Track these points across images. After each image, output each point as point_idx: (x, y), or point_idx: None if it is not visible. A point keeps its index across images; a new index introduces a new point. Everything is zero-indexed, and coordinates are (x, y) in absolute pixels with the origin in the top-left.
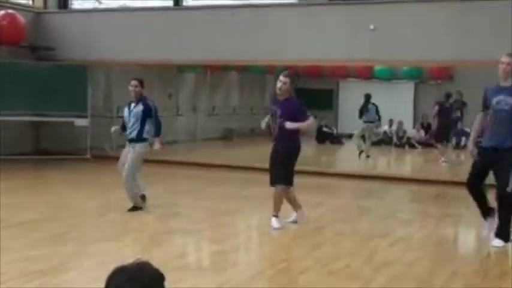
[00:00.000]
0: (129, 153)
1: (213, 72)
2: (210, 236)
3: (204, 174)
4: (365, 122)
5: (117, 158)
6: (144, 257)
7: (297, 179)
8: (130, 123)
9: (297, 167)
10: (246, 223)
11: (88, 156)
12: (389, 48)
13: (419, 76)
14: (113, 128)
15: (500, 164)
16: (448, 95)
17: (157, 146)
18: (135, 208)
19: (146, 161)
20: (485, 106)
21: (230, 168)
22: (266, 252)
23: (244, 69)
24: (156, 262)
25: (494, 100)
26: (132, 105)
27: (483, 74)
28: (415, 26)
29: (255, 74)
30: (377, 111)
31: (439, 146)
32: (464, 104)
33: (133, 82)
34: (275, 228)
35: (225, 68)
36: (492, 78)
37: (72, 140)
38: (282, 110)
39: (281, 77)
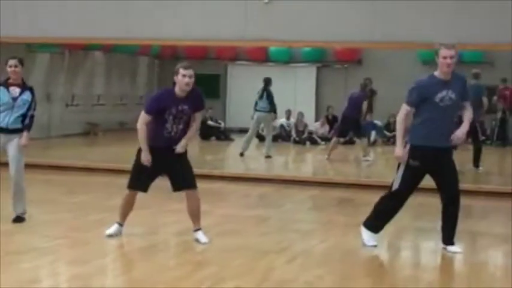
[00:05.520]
0: (15, 146)
1: (73, 53)
2: (69, 256)
3: (61, 180)
4: (257, 110)
5: None
6: None
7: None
8: (15, 110)
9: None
10: (113, 239)
11: None
12: (287, 25)
13: (322, 59)
14: None
15: (448, 166)
16: (365, 84)
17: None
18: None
19: None
20: (415, 103)
21: (93, 171)
22: (138, 273)
23: (111, 49)
24: None
25: (438, 97)
26: (17, 90)
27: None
28: None
29: (125, 55)
30: (270, 99)
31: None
32: (374, 92)
33: (13, 62)
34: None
35: (87, 48)
36: (406, 63)
37: None
38: (189, 105)
39: (186, 71)
